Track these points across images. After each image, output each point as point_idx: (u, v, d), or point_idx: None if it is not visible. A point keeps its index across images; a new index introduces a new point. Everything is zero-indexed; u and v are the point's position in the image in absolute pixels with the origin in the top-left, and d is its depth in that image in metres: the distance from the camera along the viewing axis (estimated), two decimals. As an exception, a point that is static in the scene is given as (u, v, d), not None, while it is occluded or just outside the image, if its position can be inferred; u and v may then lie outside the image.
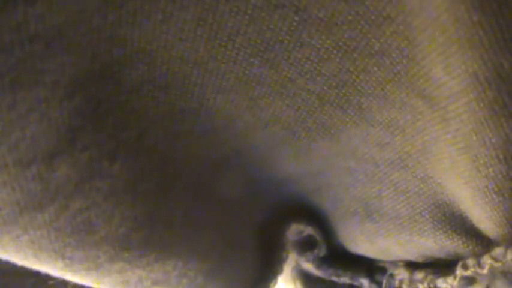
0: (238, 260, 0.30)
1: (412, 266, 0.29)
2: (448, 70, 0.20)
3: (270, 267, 0.30)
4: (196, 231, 0.27)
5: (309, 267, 0.32)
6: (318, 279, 0.33)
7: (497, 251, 0.24)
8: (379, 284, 0.31)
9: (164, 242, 0.25)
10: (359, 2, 0.21)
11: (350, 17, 0.21)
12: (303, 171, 0.28)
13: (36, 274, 0.24)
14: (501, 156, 0.21)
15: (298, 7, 0.21)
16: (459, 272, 0.26)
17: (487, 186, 0.22)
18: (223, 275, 0.29)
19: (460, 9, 0.18)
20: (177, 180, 0.26)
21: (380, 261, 0.31)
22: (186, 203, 0.26)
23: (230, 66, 0.23)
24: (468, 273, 0.26)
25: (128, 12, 0.20)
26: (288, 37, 0.22)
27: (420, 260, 0.28)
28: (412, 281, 0.29)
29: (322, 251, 0.31)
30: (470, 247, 0.25)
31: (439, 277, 0.27)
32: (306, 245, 0.32)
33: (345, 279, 0.32)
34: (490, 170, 0.21)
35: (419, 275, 0.28)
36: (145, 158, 0.24)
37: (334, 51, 0.22)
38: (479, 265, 0.25)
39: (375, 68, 0.23)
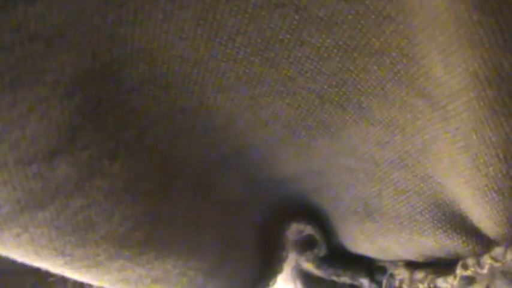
0: (238, 259, 0.30)
1: (412, 265, 0.29)
2: (448, 69, 0.20)
3: (270, 267, 0.30)
4: (196, 230, 0.27)
5: (309, 266, 0.32)
6: (318, 279, 0.33)
7: (497, 250, 0.24)
8: (379, 283, 0.31)
9: (164, 240, 0.25)
10: (359, 1, 0.21)
11: (350, 16, 0.21)
12: (303, 171, 0.28)
13: (36, 273, 0.24)
14: (501, 155, 0.21)
15: (299, 6, 0.21)
16: (459, 271, 0.26)
17: (487, 185, 0.22)
18: (223, 274, 0.29)
19: (460, 9, 0.18)
20: (177, 180, 0.26)
21: (380, 260, 0.31)
22: (186, 202, 0.27)
23: (230, 65, 0.23)
24: (468, 273, 0.26)
25: (128, 11, 0.20)
26: (288, 36, 0.22)
27: (420, 259, 0.28)
28: (412, 281, 0.29)
29: (322, 250, 0.31)
30: (470, 246, 0.25)
31: (439, 277, 0.27)
32: (306, 245, 0.32)
33: (345, 279, 0.32)
34: (490, 169, 0.21)
35: (419, 274, 0.28)
36: (145, 157, 0.24)
37: (335, 50, 0.22)
38: (479, 265, 0.25)
39: (375, 67, 0.23)
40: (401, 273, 0.29)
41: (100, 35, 0.20)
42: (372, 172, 0.27)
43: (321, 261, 0.32)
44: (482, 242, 0.25)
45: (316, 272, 0.32)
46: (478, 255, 0.25)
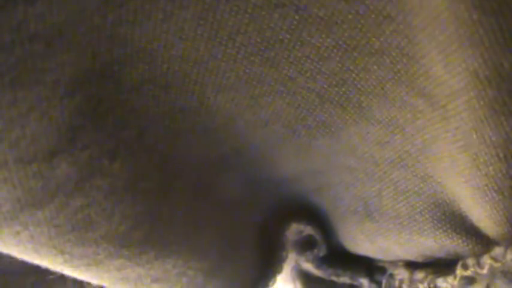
0: (238, 259, 0.30)
1: (412, 265, 0.29)
2: (448, 68, 0.20)
3: (270, 267, 0.30)
4: (196, 230, 0.27)
5: (308, 266, 0.32)
6: (318, 279, 0.33)
7: (497, 250, 0.24)
8: (378, 283, 0.31)
9: (164, 240, 0.25)
10: (359, 1, 0.21)
11: (350, 16, 0.21)
12: (303, 170, 0.28)
13: (36, 273, 0.24)
14: (501, 155, 0.21)
15: (299, 6, 0.21)
16: (459, 271, 0.26)
17: (487, 185, 0.22)
18: (223, 274, 0.29)
19: (460, 8, 0.18)
20: (177, 179, 0.26)
21: (380, 261, 0.31)
22: (186, 201, 0.27)
23: (230, 65, 0.23)
24: (468, 273, 0.26)
25: (128, 11, 0.20)
26: (288, 36, 0.22)
27: (420, 259, 0.28)
28: (412, 281, 0.29)
29: (322, 250, 0.31)
30: (470, 246, 0.25)
31: (439, 277, 0.27)
32: (305, 245, 0.32)
33: (344, 279, 0.32)
34: (490, 168, 0.21)
35: (419, 274, 0.28)
36: (145, 156, 0.24)
37: (335, 50, 0.22)
38: (479, 265, 0.25)
39: (375, 67, 0.23)
40: (401, 273, 0.29)
41: (100, 35, 0.21)
42: (371, 172, 0.27)
43: (321, 261, 0.32)
44: (482, 242, 0.25)
45: (316, 272, 0.32)
46: (478, 255, 0.25)
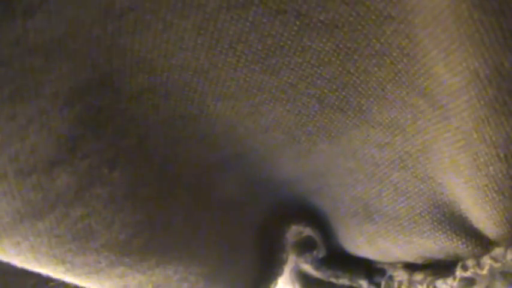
0: (239, 262, 0.30)
1: (411, 267, 0.29)
2: (448, 68, 0.20)
3: (271, 269, 0.30)
4: (196, 235, 0.27)
5: (307, 268, 0.32)
6: (317, 281, 0.33)
7: (497, 251, 0.24)
8: (378, 285, 0.31)
9: (165, 247, 0.25)
10: (360, 2, 0.21)
11: (351, 19, 0.21)
12: (303, 172, 0.28)
13: (37, 275, 0.24)
14: (501, 155, 0.21)
15: (300, 12, 0.21)
16: (459, 272, 0.26)
17: (487, 185, 0.22)
18: (224, 278, 0.29)
19: (461, 7, 0.18)
20: (176, 186, 0.26)
21: (379, 262, 0.31)
22: (186, 207, 0.26)
23: (231, 73, 0.23)
24: (468, 274, 0.26)
25: (128, 22, 0.20)
26: (289, 42, 0.22)
27: (419, 261, 0.28)
28: (411, 283, 0.29)
29: (321, 252, 0.31)
30: (470, 248, 0.25)
31: (438, 278, 0.27)
32: (305, 246, 0.32)
33: (343, 281, 0.32)
34: (490, 168, 0.21)
35: (418, 276, 0.28)
36: (145, 164, 0.24)
37: (335, 54, 0.22)
38: (479, 266, 0.25)
39: (376, 68, 0.23)
40: (400, 275, 0.29)
41: (99, 46, 0.20)
42: (372, 173, 0.27)
43: (320, 263, 0.32)
44: (482, 243, 0.25)
45: (315, 273, 0.32)
46: (477, 256, 0.25)
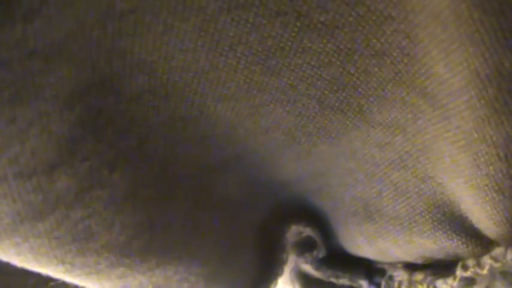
0: (239, 262, 0.30)
1: (411, 267, 0.29)
2: (448, 67, 0.20)
3: (271, 269, 0.30)
4: (196, 236, 0.27)
5: (307, 268, 0.32)
6: (317, 281, 0.33)
7: (497, 251, 0.24)
8: (378, 285, 0.31)
9: (165, 247, 0.25)
10: (360, 2, 0.21)
11: (351, 19, 0.21)
12: (303, 173, 0.28)
13: (37, 275, 0.24)
14: (502, 155, 0.21)
15: (300, 13, 0.21)
16: (459, 272, 0.26)
17: (487, 185, 0.22)
18: (225, 278, 0.29)
19: (461, 7, 0.18)
20: (176, 186, 0.26)
21: (379, 262, 0.31)
22: (186, 208, 0.26)
23: (231, 75, 0.23)
24: (468, 273, 0.26)
25: (128, 24, 0.20)
26: (289, 43, 0.22)
27: (419, 261, 0.28)
28: (411, 282, 0.29)
29: (321, 252, 0.31)
30: (470, 247, 0.25)
31: (438, 278, 0.27)
32: (305, 246, 0.32)
33: (344, 281, 0.32)
34: (491, 168, 0.21)
35: (418, 276, 0.28)
36: (145, 165, 0.24)
37: (335, 55, 0.22)
38: (479, 265, 0.25)
39: (376, 69, 0.23)
40: (400, 275, 0.29)
41: (100, 48, 0.20)
42: (372, 173, 0.27)
43: (320, 263, 0.32)
44: (482, 243, 0.25)
45: (315, 273, 0.32)
46: (478, 256, 0.25)
